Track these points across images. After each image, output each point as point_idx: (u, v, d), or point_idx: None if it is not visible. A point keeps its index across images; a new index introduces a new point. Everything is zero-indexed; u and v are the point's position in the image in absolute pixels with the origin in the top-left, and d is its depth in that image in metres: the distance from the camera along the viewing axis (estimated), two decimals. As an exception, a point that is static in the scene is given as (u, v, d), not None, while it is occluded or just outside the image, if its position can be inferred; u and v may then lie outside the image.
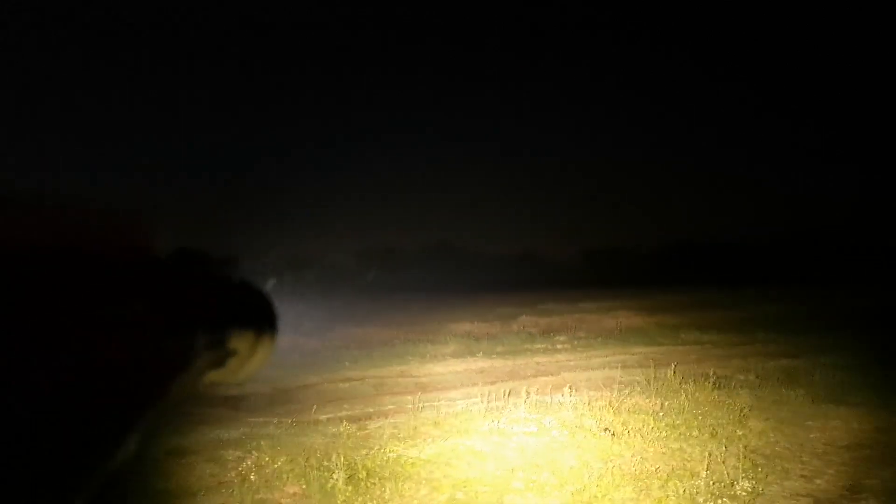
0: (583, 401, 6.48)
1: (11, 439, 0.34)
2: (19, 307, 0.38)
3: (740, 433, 5.58)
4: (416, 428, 5.77)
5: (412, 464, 4.86)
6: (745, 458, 4.92)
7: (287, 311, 0.63)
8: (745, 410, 6.19)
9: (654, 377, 7.35)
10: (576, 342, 11.84)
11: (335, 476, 4.48)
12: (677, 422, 5.85)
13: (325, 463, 4.76)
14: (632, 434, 5.50)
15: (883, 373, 7.95)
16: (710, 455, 4.90)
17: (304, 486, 4.46)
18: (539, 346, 11.47)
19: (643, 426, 5.70)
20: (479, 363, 9.57)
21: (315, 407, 6.62)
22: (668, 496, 4.27)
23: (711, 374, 7.46)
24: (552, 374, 8.47)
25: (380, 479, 4.54)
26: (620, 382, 7.39)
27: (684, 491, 4.32)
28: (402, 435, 5.56)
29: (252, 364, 0.57)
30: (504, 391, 6.89)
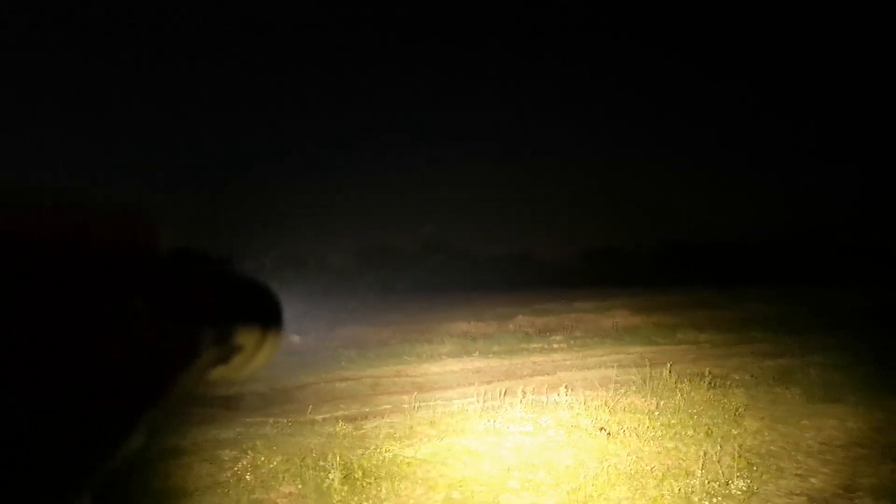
0: (579, 400, 6.49)
1: (11, 439, 0.34)
2: (20, 306, 0.38)
3: (735, 432, 5.60)
4: (412, 427, 5.77)
5: (408, 463, 4.86)
6: (740, 457, 4.93)
7: (286, 311, 0.64)
8: (740, 409, 6.21)
9: (650, 376, 7.36)
10: (572, 342, 11.85)
11: (331, 476, 4.48)
12: (673, 421, 5.87)
13: (321, 463, 4.76)
14: (627, 433, 5.51)
15: (878, 372, 7.98)
16: (705, 454, 4.92)
17: (299, 486, 4.46)
18: (535, 345, 11.48)
19: (639, 425, 5.71)
20: (475, 363, 9.57)
21: (311, 407, 6.62)
22: (663, 495, 4.28)
23: (707, 373, 7.47)
24: (548, 374, 8.48)
25: (376, 478, 4.54)
26: (616, 382, 7.40)
27: (679, 490, 4.33)
28: (398, 434, 5.56)
29: (257, 360, 0.57)
30: (500, 391, 6.89)
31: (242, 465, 4.82)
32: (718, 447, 5.13)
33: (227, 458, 4.96)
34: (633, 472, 4.65)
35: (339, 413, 6.44)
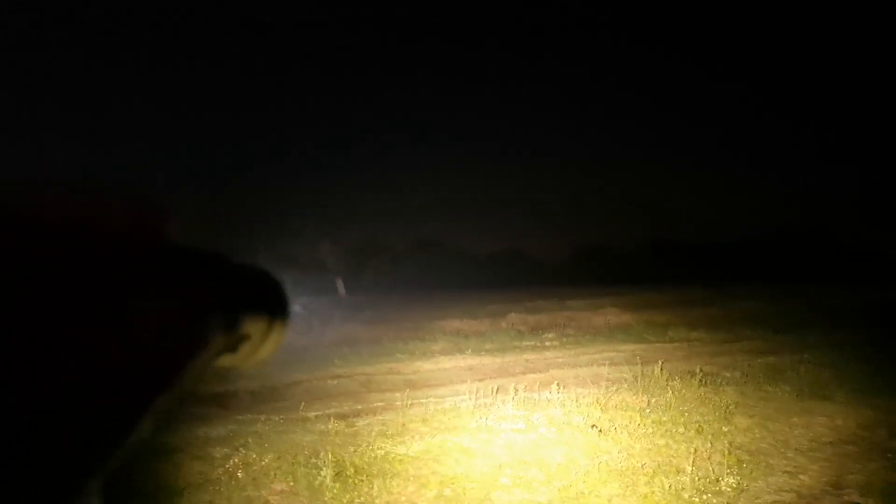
0: (571, 398, 6.51)
1: (11, 439, 0.34)
2: (22, 301, 0.37)
3: (726, 430, 5.64)
4: (404, 425, 5.78)
5: (400, 461, 4.86)
6: (730, 454, 4.97)
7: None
8: (730, 407, 6.25)
9: (642, 374, 7.40)
10: (564, 339, 11.88)
11: (323, 473, 4.48)
12: (664, 418, 5.90)
13: (313, 460, 4.76)
14: (619, 430, 5.54)
15: (867, 370, 8.04)
16: (695, 451, 4.95)
17: (291, 484, 4.45)
18: (528, 343, 11.51)
19: (630, 423, 5.74)
20: (467, 360, 9.58)
21: (303, 404, 6.61)
22: (653, 492, 4.30)
23: (698, 371, 7.52)
24: (540, 372, 8.50)
25: (368, 476, 4.54)
26: (608, 379, 7.44)
27: (670, 487, 4.35)
28: (390, 432, 5.56)
29: (264, 350, 0.57)
30: (492, 388, 6.90)
31: (234, 462, 4.81)
32: (709, 444, 5.17)
33: (218, 456, 4.95)
34: (624, 468, 4.67)
35: (332, 410, 6.44)
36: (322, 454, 4.79)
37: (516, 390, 6.68)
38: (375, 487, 4.37)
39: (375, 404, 6.76)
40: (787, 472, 4.74)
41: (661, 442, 5.32)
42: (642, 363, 7.84)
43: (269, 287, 0.58)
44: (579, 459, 4.87)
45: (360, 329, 13.26)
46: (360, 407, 6.66)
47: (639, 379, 7.30)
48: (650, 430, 5.59)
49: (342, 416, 6.12)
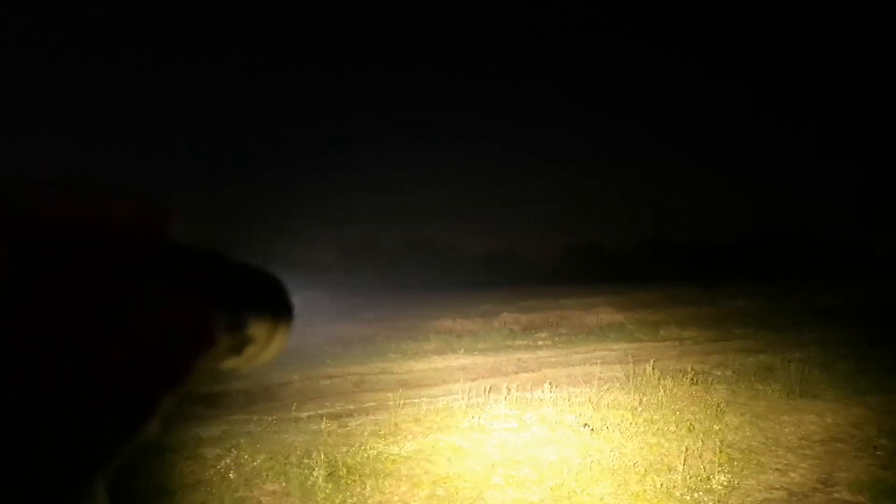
0: (563, 397, 6.53)
1: (12, 439, 0.34)
2: (23, 300, 0.37)
3: (717, 428, 5.67)
4: (396, 425, 5.77)
5: (393, 460, 4.86)
6: (721, 452, 4.99)
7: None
8: (721, 406, 6.28)
9: (633, 373, 7.42)
10: (557, 339, 11.91)
11: (315, 473, 4.47)
12: (655, 417, 5.92)
13: (306, 460, 4.75)
14: (611, 429, 5.56)
15: (856, 368, 8.12)
16: (686, 449, 4.97)
17: (283, 484, 4.44)
18: (520, 342, 11.53)
19: (622, 421, 5.76)
20: (460, 360, 9.58)
21: (295, 404, 6.59)
22: (645, 490, 4.32)
23: (689, 369, 7.56)
24: (533, 371, 8.52)
25: (360, 476, 4.54)
26: (600, 378, 7.46)
27: (661, 485, 4.37)
28: (382, 432, 5.56)
29: (269, 351, 0.57)
30: (485, 388, 6.91)
31: (226, 463, 4.79)
32: (700, 442, 5.19)
33: (210, 456, 4.93)
34: (615, 467, 4.69)
35: (324, 410, 6.43)
36: (314, 454, 4.78)
37: (509, 389, 6.69)
38: (368, 487, 4.36)
39: (368, 404, 6.75)
40: (777, 469, 4.77)
41: (653, 440, 5.34)
42: (634, 362, 7.87)
43: (273, 289, 0.58)
44: (571, 458, 4.88)
45: (352, 328, 13.24)
46: (352, 407, 6.65)
47: (631, 378, 7.33)
48: (642, 428, 5.62)
49: (335, 416, 6.11)
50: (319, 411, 6.39)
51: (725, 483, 4.43)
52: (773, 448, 5.24)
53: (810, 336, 11.16)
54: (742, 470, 4.70)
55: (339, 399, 7.07)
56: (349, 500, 4.21)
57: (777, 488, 4.42)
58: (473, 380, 7.81)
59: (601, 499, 4.22)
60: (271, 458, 4.85)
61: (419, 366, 9.16)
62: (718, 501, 4.19)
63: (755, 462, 4.89)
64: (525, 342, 11.52)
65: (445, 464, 4.83)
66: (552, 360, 9.55)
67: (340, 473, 4.53)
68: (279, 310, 0.57)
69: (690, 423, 5.74)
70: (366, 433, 5.51)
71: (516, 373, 8.45)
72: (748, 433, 5.60)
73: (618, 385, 7.19)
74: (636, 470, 4.65)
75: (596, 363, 8.55)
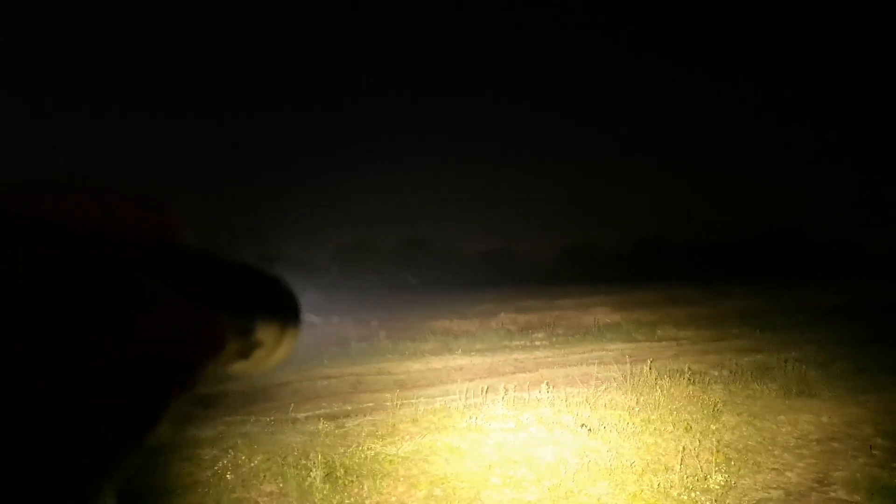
0: (560, 397, 6.53)
1: (12, 439, 0.34)
2: (24, 300, 0.37)
3: (714, 428, 5.67)
4: (394, 425, 5.77)
5: (390, 461, 4.86)
6: (718, 452, 5.00)
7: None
8: (718, 405, 6.29)
9: (630, 373, 7.43)
10: (554, 339, 11.91)
11: (312, 474, 4.47)
12: (652, 417, 5.93)
13: (303, 461, 4.75)
14: (608, 429, 5.56)
15: (852, 368, 8.14)
16: (683, 449, 4.97)
17: (281, 485, 4.44)
18: (517, 343, 11.53)
19: (619, 422, 5.77)
20: (457, 360, 9.58)
21: (292, 405, 6.58)
22: (642, 490, 4.32)
23: (686, 369, 7.57)
24: (530, 371, 8.52)
25: (357, 476, 4.53)
26: (597, 379, 7.46)
27: (658, 485, 4.38)
28: (380, 432, 5.56)
29: (277, 355, 0.56)
30: (482, 388, 6.91)
31: (223, 463, 4.79)
32: (697, 442, 5.20)
33: (207, 457, 4.93)
34: (613, 467, 4.69)
35: (321, 411, 6.42)
36: (311, 455, 4.78)
37: (506, 390, 6.69)
38: (365, 488, 4.36)
39: (365, 405, 6.74)
40: (774, 469, 4.78)
41: (650, 440, 5.35)
42: (631, 362, 7.87)
43: (281, 292, 0.58)
44: (569, 458, 4.89)
45: (350, 328, 13.23)
46: (349, 407, 6.64)
47: (628, 378, 7.34)
48: (639, 428, 5.62)
49: (332, 417, 6.11)
50: (317, 412, 6.39)
51: (722, 483, 4.43)
52: (770, 448, 5.25)
53: (808, 336, 11.18)
54: (739, 469, 4.71)
55: (336, 399, 7.06)
56: (346, 501, 4.21)
57: (774, 488, 4.43)
58: (471, 380, 7.81)
59: (598, 499, 4.22)
60: (268, 459, 4.84)
61: (417, 366, 9.15)
62: (715, 501, 4.20)
63: (752, 461, 4.90)
64: (522, 342, 11.52)
65: (443, 464, 4.84)
66: (549, 360, 9.55)
67: (338, 474, 4.53)
68: (287, 313, 0.57)
69: (687, 423, 5.75)
70: (363, 434, 5.51)
71: (514, 373, 8.45)
72: (745, 433, 5.60)
73: (615, 385, 7.20)
74: (633, 470, 4.66)
75: (593, 363, 8.56)
